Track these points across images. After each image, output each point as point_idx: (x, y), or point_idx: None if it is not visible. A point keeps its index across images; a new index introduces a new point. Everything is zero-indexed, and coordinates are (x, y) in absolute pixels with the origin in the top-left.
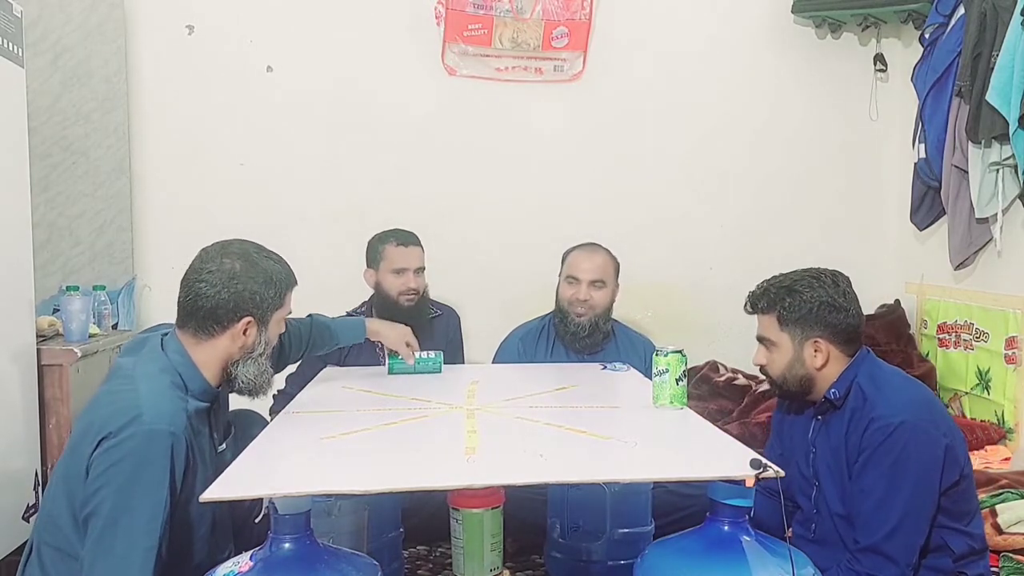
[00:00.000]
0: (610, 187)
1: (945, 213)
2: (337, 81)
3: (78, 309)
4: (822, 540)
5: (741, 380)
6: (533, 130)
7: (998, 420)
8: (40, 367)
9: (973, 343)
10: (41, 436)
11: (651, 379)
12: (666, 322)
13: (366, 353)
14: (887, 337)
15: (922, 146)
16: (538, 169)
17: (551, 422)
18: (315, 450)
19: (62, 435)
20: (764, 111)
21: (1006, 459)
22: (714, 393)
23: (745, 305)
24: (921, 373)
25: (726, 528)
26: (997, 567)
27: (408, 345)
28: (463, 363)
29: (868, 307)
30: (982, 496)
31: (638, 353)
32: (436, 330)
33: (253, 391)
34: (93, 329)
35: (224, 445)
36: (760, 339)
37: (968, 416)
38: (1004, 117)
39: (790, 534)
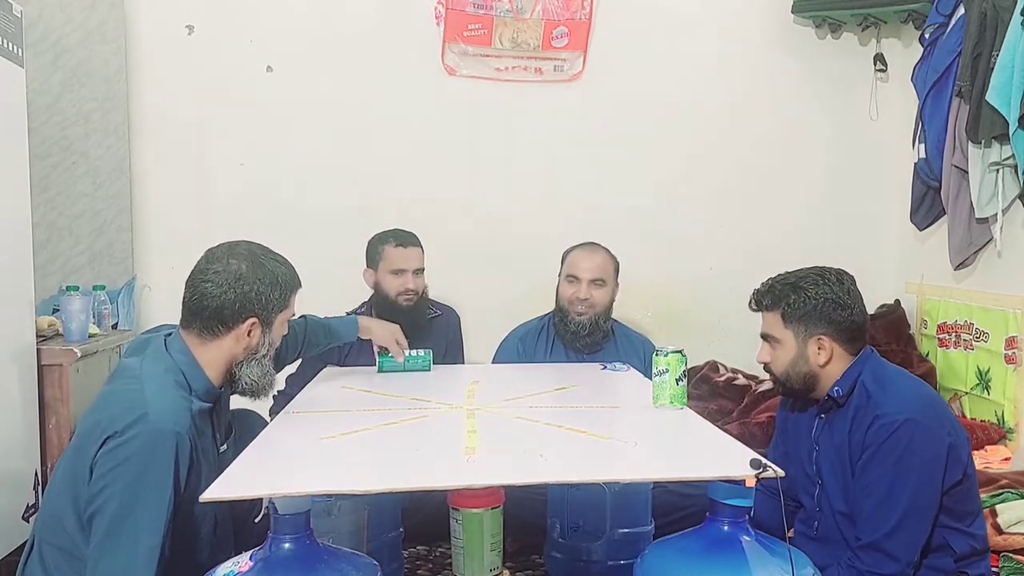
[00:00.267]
0: (610, 187)
1: (945, 213)
2: (337, 81)
3: (78, 309)
4: (824, 538)
5: (741, 380)
6: (533, 130)
7: (998, 420)
8: (40, 367)
9: (973, 343)
10: (41, 436)
11: (651, 379)
12: (666, 322)
13: (366, 353)
14: (887, 337)
15: (922, 146)
16: (538, 169)
17: (551, 422)
18: (315, 450)
19: (62, 435)
20: (764, 111)
21: (1006, 459)
22: (714, 393)
23: (750, 302)
24: (921, 373)
25: (726, 528)
26: (997, 567)
27: (398, 343)
28: (463, 363)
29: (868, 307)
30: (982, 496)
31: (638, 353)
32: (436, 330)
33: (256, 392)
34: (93, 329)
35: (225, 445)
36: (764, 336)
37: (968, 416)
38: (1004, 117)
39: (792, 533)
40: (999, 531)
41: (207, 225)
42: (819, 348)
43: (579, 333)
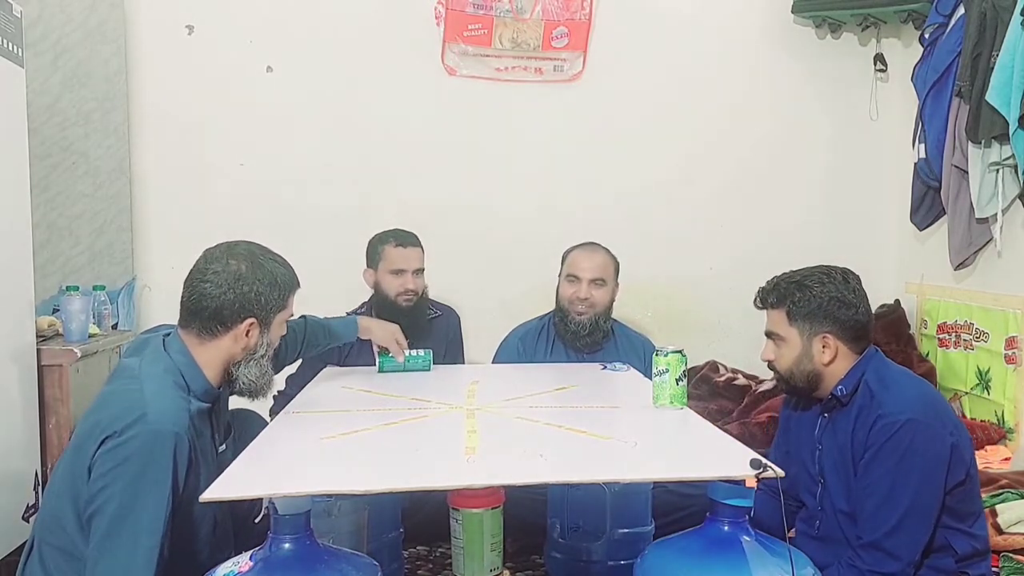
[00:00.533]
0: (610, 187)
1: (945, 213)
2: (337, 81)
3: (78, 309)
4: (825, 537)
5: (741, 380)
6: (533, 130)
7: (998, 420)
8: (40, 367)
9: (973, 343)
10: (41, 436)
11: (651, 379)
12: (666, 322)
13: (366, 353)
14: (887, 337)
15: (922, 146)
16: (538, 169)
17: (551, 422)
18: (315, 450)
19: (62, 435)
20: (764, 111)
21: (1006, 459)
22: (714, 393)
23: (755, 300)
24: (921, 373)
25: (726, 528)
26: (997, 567)
27: (398, 343)
28: (463, 363)
29: None
30: (982, 496)
31: (638, 353)
32: (436, 330)
33: (254, 392)
34: (93, 329)
35: (224, 446)
36: (769, 334)
37: (968, 416)
38: (1004, 117)
39: (793, 533)
40: (999, 531)
41: (207, 225)
42: (823, 346)
43: (579, 333)
